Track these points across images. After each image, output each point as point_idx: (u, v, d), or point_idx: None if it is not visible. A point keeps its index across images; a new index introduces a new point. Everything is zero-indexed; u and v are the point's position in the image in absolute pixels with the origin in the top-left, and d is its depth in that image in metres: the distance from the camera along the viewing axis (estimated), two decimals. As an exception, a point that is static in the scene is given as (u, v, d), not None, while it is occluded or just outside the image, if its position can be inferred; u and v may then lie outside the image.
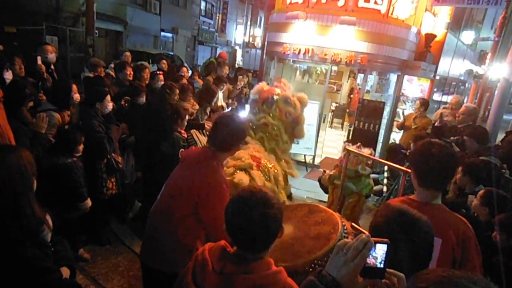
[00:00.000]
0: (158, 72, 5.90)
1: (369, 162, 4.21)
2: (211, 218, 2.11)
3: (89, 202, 3.35)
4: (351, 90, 11.79)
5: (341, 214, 3.99)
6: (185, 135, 4.38)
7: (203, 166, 2.18)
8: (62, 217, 3.28)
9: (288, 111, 3.90)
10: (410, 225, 1.30)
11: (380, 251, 1.06)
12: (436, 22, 8.28)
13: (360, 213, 4.36)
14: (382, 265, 1.06)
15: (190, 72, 8.17)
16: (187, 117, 4.39)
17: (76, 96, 3.80)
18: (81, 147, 3.29)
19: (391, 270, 1.10)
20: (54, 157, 3.18)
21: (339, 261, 1.03)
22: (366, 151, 4.18)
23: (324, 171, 5.49)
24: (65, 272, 1.73)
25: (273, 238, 1.41)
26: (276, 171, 3.47)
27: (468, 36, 12.84)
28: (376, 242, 1.05)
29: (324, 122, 7.80)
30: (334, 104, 11.37)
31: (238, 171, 3.11)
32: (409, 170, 3.49)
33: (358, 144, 4.37)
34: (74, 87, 3.76)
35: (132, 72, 5.42)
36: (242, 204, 1.37)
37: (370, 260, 1.05)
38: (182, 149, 4.25)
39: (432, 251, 1.32)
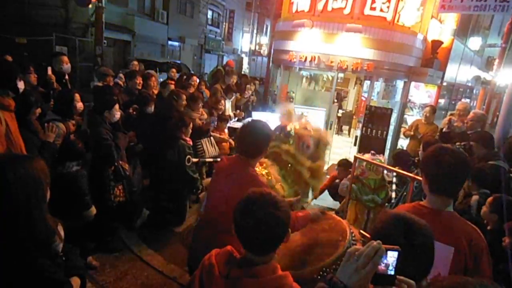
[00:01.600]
0: (169, 81, 5.99)
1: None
2: None
3: (93, 210, 3.35)
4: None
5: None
6: (191, 143, 4.42)
7: (239, 175, 2.24)
8: (68, 226, 3.32)
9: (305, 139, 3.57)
10: (408, 229, 1.28)
11: (391, 258, 1.06)
12: (443, 29, 8.27)
13: None
14: (392, 272, 1.06)
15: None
16: (191, 124, 4.44)
17: (80, 105, 3.84)
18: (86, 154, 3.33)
19: (402, 277, 1.10)
20: (58, 166, 3.22)
21: (351, 268, 1.03)
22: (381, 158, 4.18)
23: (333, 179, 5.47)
24: (76, 282, 1.73)
25: (280, 241, 1.42)
26: (269, 178, 3.40)
27: (475, 42, 12.78)
28: (387, 249, 1.05)
29: (330, 129, 7.78)
30: (340, 111, 11.36)
31: None
32: (417, 177, 3.49)
33: (373, 152, 4.33)
34: (77, 96, 3.81)
35: (141, 81, 5.51)
36: (250, 204, 1.39)
37: (381, 267, 1.05)
38: (188, 156, 4.30)
39: (434, 255, 1.30)
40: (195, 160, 4.49)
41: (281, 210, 1.39)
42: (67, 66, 4.99)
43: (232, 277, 1.38)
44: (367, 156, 4.22)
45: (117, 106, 3.82)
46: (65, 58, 5.03)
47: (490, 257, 1.74)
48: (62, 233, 1.71)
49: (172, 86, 5.66)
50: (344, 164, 5.10)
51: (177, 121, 4.35)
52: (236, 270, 1.39)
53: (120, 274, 3.63)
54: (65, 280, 1.62)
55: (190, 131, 4.47)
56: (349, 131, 11.70)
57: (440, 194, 1.77)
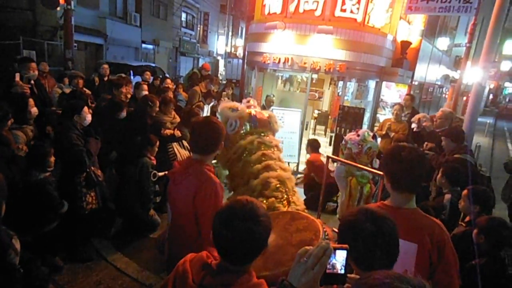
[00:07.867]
0: (142, 82, 5.93)
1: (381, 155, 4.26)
2: (208, 224, 2.09)
3: (66, 205, 3.33)
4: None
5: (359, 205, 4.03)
6: (155, 162, 4.42)
7: (195, 176, 2.16)
8: (40, 233, 3.21)
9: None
10: (376, 217, 1.35)
11: (340, 257, 1.06)
12: (411, 30, 8.53)
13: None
14: (343, 271, 1.07)
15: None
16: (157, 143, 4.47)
17: (34, 110, 3.74)
18: (52, 159, 3.24)
19: (352, 275, 1.11)
20: (26, 175, 3.12)
21: (300, 269, 1.02)
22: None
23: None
24: None
25: (257, 254, 1.37)
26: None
27: (443, 42, 13.24)
28: (335, 249, 1.05)
29: (306, 129, 7.87)
30: (316, 111, 11.49)
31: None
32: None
33: (358, 130, 4.38)
34: (31, 101, 3.71)
35: (128, 90, 5.46)
36: (231, 216, 1.34)
37: (331, 267, 1.06)
38: (154, 172, 4.31)
39: (399, 247, 1.35)
40: (161, 174, 4.45)
41: (261, 224, 1.34)
42: (34, 73, 4.85)
43: (205, 285, 1.35)
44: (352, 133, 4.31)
45: (86, 109, 3.73)
46: (34, 65, 4.87)
47: (455, 251, 1.79)
48: (17, 246, 1.64)
49: (145, 87, 5.58)
50: (311, 144, 5.92)
51: (143, 140, 4.32)
52: (210, 278, 1.36)
53: (93, 283, 3.51)
54: None
55: (156, 149, 4.45)
56: (325, 131, 11.84)
57: (401, 190, 1.81)
